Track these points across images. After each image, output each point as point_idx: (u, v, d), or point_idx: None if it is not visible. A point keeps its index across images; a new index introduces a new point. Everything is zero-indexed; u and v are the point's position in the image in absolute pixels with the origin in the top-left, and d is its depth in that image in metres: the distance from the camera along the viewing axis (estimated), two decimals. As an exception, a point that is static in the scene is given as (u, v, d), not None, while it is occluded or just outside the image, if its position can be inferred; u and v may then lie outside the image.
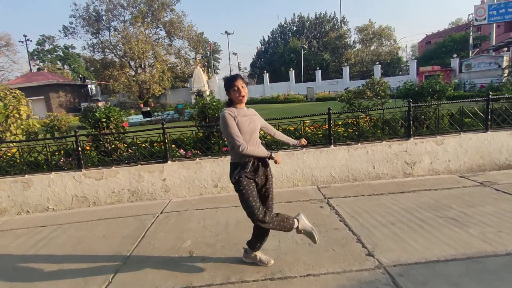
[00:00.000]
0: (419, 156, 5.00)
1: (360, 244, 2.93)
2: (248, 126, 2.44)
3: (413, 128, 5.09)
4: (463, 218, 3.28)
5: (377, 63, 37.73)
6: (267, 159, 2.49)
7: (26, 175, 4.87)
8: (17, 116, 6.28)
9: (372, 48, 46.41)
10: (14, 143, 5.36)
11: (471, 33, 34.71)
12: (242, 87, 2.44)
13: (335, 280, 2.42)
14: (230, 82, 2.46)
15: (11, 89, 6.75)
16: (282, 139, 2.85)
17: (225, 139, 2.68)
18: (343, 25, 49.45)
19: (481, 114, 5.19)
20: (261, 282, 2.47)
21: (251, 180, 2.46)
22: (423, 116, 5.41)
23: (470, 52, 33.56)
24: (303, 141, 2.78)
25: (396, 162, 5.00)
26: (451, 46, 36.64)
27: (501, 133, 5.06)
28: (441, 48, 37.56)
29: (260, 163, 2.50)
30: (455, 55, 31.01)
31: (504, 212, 3.35)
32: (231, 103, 2.51)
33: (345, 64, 40.67)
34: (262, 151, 2.47)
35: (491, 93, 5.04)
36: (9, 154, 5.10)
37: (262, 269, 2.65)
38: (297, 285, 2.40)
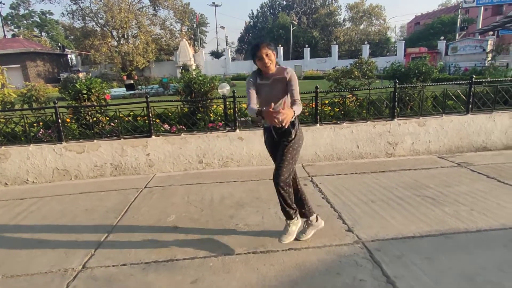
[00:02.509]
0: (402, 136, 5.11)
1: (341, 221, 3.02)
2: (264, 93, 2.44)
3: (398, 109, 5.16)
4: (439, 197, 3.42)
5: (366, 42, 37.59)
6: (259, 117, 2.28)
7: (2, 147, 4.70)
8: (-9, 84, 5.96)
9: (361, 27, 46.04)
10: (-11, 113, 5.12)
11: (459, 16, 34.82)
12: (267, 55, 2.33)
13: (315, 254, 2.50)
14: (253, 51, 2.38)
15: (-17, 56, 6.36)
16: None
17: None
18: (333, 1, 48.52)
19: (464, 97, 5.30)
20: (244, 255, 2.53)
21: (270, 144, 2.57)
22: (407, 98, 5.48)
23: (457, 35, 33.83)
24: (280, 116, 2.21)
25: (379, 142, 5.09)
26: (439, 28, 36.75)
27: (481, 116, 5.21)
28: (429, 30, 37.66)
29: (273, 128, 2.44)
30: (442, 37, 31.18)
31: (477, 191, 3.51)
32: (260, 71, 2.46)
33: (334, 42, 40.32)
34: (251, 109, 2.37)
35: (474, 76, 5.12)
36: (-17, 124, 4.87)
37: (245, 243, 2.70)
38: (278, 258, 2.47)
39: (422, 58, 6.56)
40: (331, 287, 2.13)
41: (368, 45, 36.37)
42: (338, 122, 5.15)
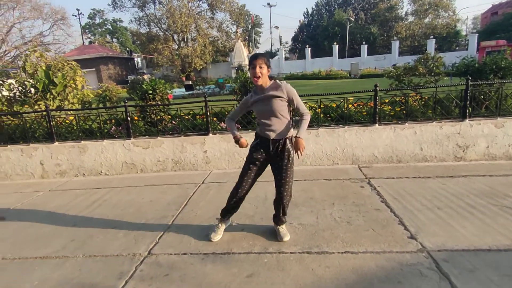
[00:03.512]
0: (474, 139, 4.62)
1: (402, 227, 2.84)
2: (258, 109, 2.56)
3: (470, 108, 4.68)
4: (521, 207, 3.03)
5: (431, 37, 34.67)
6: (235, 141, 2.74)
7: (82, 141, 5.30)
8: (74, 86, 6.77)
9: (426, 20, 42.56)
10: (72, 111, 5.81)
11: (548, 2, 30.26)
12: (260, 67, 2.43)
13: (374, 259, 2.39)
14: (250, 60, 2.52)
15: (68, 61, 7.24)
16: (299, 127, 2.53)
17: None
18: (395, -6, 45.57)
19: (554, 95, 4.61)
20: (298, 254, 2.52)
21: (255, 156, 2.64)
22: (482, 96, 4.93)
23: (545, 25, 29.46)
24: (299, 150, 2.45)
25: (447, 145, 4.67)
26: (522, 17, 32.35)
27: None
28: (510, 20, 33.27)
29: (267, 143, 2.58)
30: (525, 28, 27.42)
31: None
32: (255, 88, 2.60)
33: (395, 38, 37.93)
34: (232, 132, 2.74)
35: None
36: (67, 121, 5.56)
37: (300, 242, 2.69)
38: (334, 260, 2.41)
39: (500, 52, 5.83)
40: (392, 295, 2.01)
41: (434, 39, 33.50)
42: (399, 122, 4.84)
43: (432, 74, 6.19)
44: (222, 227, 2.91)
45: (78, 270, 2.53)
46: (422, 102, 5.20)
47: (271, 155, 2.60)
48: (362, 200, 3.46)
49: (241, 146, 2.71)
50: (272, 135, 2.54)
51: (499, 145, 4.61)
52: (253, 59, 2.46)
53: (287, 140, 2.56)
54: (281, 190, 2.63)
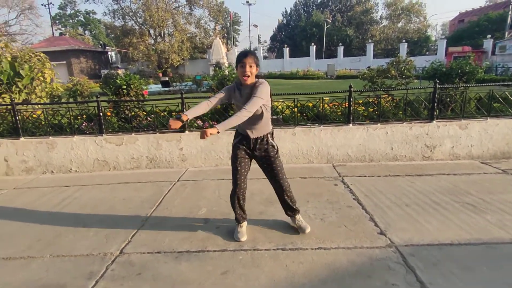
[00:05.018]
0: (441, 139, 4.87)
1: (373, 223, 2.95)
2: (239, 104, 2.45)
3: (437, 110, 4.92)
4: (481, 204, 3.23)
5: (404, 41, 36.03)
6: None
7: (50, 137, 5.06)
8: (42, 79, 6.44)
9: (399, 25, 44.23)
10: (39, 105, 5.54)
11: (510, 12, 32.33)
12: (250, 66, 2.36)
13: (345, 255, 2.47)
14: (239, 57, 2.42)
15: (36, 53, 6.88)
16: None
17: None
18: (370, -2, 46.96)
19: (512, 99, 4.94)
20: (273, 251, 2.55)
21: (239, 154, 2.61)
22: (448, 99, 5.20)
23: (506, 33, 31.43)
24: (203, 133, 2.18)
25: (416, 145, 4.89)
26: (485, 25, 34.33)
27: (531, 120, 4.82)
28: (475, 28, 35.27)
29: (248, 140, 2.58)
30: (489, 36, 29.14)
31: (525, 201, 3.27)
32: (240, 81, 2.51)
33: (370, 41, 39.06)
34: (193, 108, 2.51)
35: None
36: (34, 116, 5.28)
37: (274, 239, 2.72)
38: (307, 256, 2.46)
39: (465, 57, 6.17)
40: (362, 289, 2.09)
41: (406, 43, 34.84)
42: (372, 122, 5.01)
43: (403, 76, 6.46)
44: (244, 224, 2.84)
45: (45, 271, 2.43)
46: (394, 104, 5.41)
47: (253, 151, 2.61)
48: (336, 198, 3.56)
49: (172, 125, 2.31)
50: (254, 133, 2.54)
51: (463, 145, 4.88)
52: (243, 57, 2.38)
53: (268, 135, 2.59)
54: (280, 182, 2.68)
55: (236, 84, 2.56)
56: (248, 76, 2.39)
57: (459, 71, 5.53)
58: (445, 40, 34.81)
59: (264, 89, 2.39)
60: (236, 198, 2.69)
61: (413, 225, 2.86)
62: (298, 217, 2.86)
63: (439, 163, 4.78)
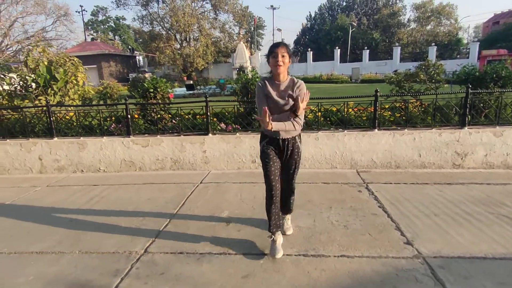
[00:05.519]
0: (473, 147, 4.64)
1: (399, 232, 2.84)
2: (273, 102, 2.40)
3: (469, 116, 4.70)
4: (517, 216, 3.04)
5: (433, 44, 34.80)
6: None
7: (81, 138, 5.29)
8: (75, 82, 6.76)
9: (428, 27, 42.76)
10: (72, 107, 5.81)
11: (549, 13, 30.41)
12: (283, 56, 2.33)
13: (369, 264, 2.39)
14: (271, 48, 2.37)
15: (70, 57, 7.24)
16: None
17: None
18: (398, 1, 45.77)
19: (553, 105, 4.63)
20: (295, 257, 2.52)
21: (270, 153, 2.53)
22: (482, 104, 4.95)
23: (546, 35, 29.59)
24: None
25: (446, 152, 4.68)
26: (523, 27, 32.51)
27: None
28: (511, 30, 33.45)
29: (277, 142, 2.52)
30: (526, 38, 27.54)
31: None
32: (271, 75, 2.47)
33: (396, 44, 38.04)
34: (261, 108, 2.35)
35: None
36: (67, 117, 5.55)
37: (296, 244, 2.69)
38: (330, 264, 2.41)
39: (501, 61, 5.86)
40: (387, 300, 2.02)
41: (435, 47, 33.65)
42: (399, 128, 4.86)
43: (433, 81, 6.21)
44: (279, 237, 2.62)
45: (73, 266, 2.53)
46: (422, 109, 5.21)
47: (281, 152, 2.56)
48: (360, 205, 3.47)
49: (263, 123, 2.29)
50: (285, 134, 2.47)
51: (497, 153, 4.63)
52: (275, 47, 2.33)
53: (297, 137, 2.55)
54: (293, 185, 2.73)
55: (264, 80, 2.47)
56: (281, 66, 2.33)
57: (494, 75, 5.25)
58: (478, 43, 33.27)
59: (306, 90, 2.41)
60: (273, 201, 2.52)
61: (442, 236, 2.73)
62: (288, 216, 2.93)
63: (471, 171, 4.55)
